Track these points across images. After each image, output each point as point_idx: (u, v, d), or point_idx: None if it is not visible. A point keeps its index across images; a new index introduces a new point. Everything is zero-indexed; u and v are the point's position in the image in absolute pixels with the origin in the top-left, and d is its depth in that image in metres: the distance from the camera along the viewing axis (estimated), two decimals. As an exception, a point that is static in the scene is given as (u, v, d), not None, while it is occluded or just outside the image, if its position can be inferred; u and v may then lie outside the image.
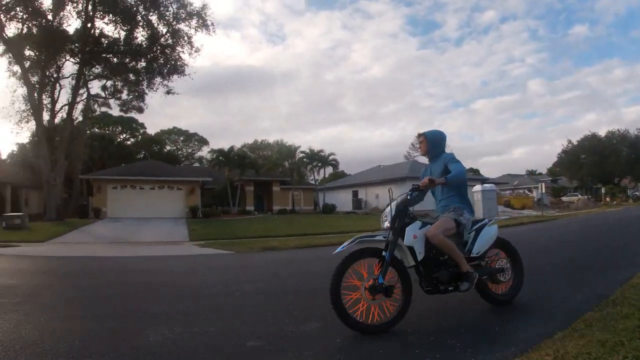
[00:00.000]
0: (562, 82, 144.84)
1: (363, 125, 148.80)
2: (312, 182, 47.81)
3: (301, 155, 43.30)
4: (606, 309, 4.66)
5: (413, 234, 4.67)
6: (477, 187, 29.78)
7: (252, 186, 42.55)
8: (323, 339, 4.07)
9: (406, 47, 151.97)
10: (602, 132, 67.25)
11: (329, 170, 48.78)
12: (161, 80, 34.32)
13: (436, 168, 5.32)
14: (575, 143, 66.37)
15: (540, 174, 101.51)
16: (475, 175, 57.72)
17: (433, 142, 5.39)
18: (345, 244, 4.62)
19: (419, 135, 5.63)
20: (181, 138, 76.48)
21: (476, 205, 28.72)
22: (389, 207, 4.89)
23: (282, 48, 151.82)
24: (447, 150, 5.57)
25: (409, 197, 4.92)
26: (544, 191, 35.31)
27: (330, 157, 43.98)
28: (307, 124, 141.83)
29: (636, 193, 62.73)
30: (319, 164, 43.72)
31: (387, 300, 4.52)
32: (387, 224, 4.79)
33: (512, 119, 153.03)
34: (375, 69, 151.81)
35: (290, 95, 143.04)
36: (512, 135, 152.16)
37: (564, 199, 58.03)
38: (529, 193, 53.53)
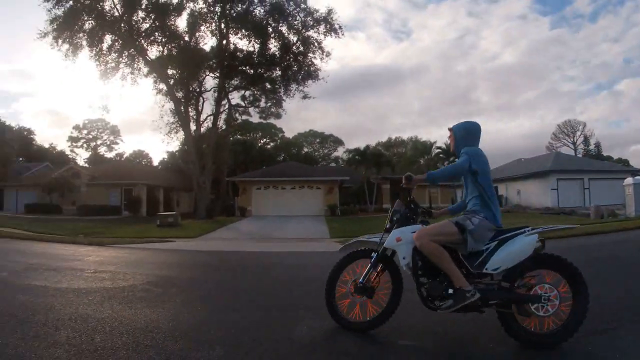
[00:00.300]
0: None
1: (498, 116, 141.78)
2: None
3: (437, 150, 42.50)
4: None
5: (397, 237, 4.30)
6: (628, 180, 25.93)
7: (388, 184, 42.24)
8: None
9: (537, 28, 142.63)
10: None
11: (467, 165, 47.41)
12: (297, 86, 35.42)
13: None
14: None
15: None
16: (625, 167, 52.88)
17: (459, 137, 4.65)
18: (347, 243, 4.90)
19: (449, 129, 4.83)
20: (317, 140, 78.48)
21: (627, 200, 25.66)
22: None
23: (409, 43, 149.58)
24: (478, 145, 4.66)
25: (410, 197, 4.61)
26: None
27: (468, 152, 42.82)
28: (441, 118, 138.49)
29: None
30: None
31: (368, 301, 4.44)
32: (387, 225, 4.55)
33: None
34: (507, 55, 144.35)
35: (421, 90, 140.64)
36: None
37: None
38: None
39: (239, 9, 32.99)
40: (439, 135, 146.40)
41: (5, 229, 20.19)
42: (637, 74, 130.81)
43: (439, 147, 42.57)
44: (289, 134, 74.96)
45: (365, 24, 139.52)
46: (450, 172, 4.62)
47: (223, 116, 37.77)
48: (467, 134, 4.59)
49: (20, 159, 60.54)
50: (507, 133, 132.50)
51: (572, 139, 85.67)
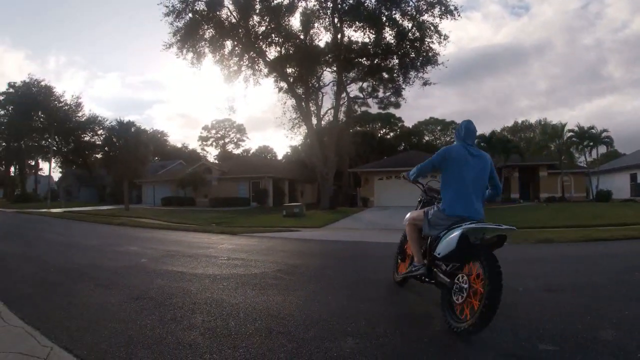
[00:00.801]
0: None
1: (635, 92, 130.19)
2: (583, 165, 43.56)
3: (569, 134, 39.54)
4: None
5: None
6: None
7: (516, 172, 40.34)
8: (621, 351, 3.52)
9: None
10: None
11: (602, 150, 43.31)
12: (415, 73, 34.74)
13: None
14: None
15: None
16: None
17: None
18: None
19: None
20: (438, 127, 77.04)
21: None
22: None
23: (528, 19, 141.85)
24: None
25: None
26: None
27: (603, 134, 39.35)
28: (570, 98, 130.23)
29: None
30: (591, 144, 39.39)
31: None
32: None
33: None
34: (638, 23, 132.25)
35: (546, 68, 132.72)
36: None
37: None
38: None
39: (350, 1, 33.09)
40: (570, 117, 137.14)
41: (144, 219, 21.77)
42: None
43: (570, 130, 39.40)
44: (408, 122, 74.13)
45: (480, 2, 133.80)
46: (417, 170, 5.34)
47: (343, 109, 38.14)
48: (455, 132, 5.30)
49: (156, 158, 65.26)
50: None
51: None
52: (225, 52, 33.30)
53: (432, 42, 32.70)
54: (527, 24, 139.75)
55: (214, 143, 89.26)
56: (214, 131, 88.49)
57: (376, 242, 12.75)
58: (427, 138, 75.10)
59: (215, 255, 8.99)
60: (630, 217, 18.47)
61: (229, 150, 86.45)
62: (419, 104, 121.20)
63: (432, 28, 32.22)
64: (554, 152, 40.61)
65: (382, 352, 3.53)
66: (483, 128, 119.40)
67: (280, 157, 79.14)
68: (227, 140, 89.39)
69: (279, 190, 41.20)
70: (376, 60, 35.31)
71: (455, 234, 4.17)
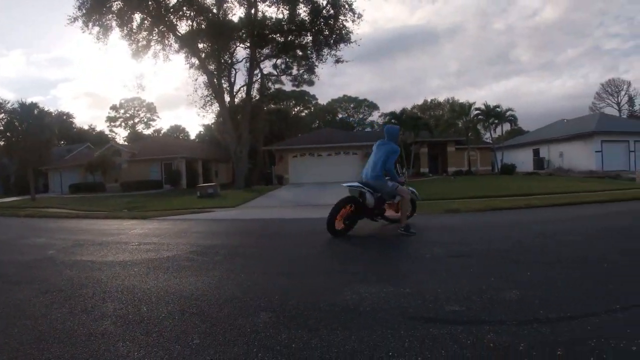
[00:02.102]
0: None
1: (540, 75, 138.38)
2: (489, 141, 45.73)
3: (476, 112, 41.35)
4: None
5: None
6: None
7: (425, 148, 41.64)
8: (524, 309, 3.80)
9: None
10: None
11: (507, 127, 45.82)
12: (329, 50, 34.96)
13: None
14: None
15: None
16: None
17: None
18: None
19: None
20: (352, 105, 78.18)
21: None
22: None
23: (443, 2, 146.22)
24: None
25: None
26: None
27: (508, 113, 41.40)
28: (479, 79, 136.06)
29: None
30: (496, 121, 41.41)
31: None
32: None
33: None
34: (548, 11, 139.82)
35: (458, 50, 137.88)
36: None
37: None
38: None
39: (265, -26, 32.60)
40: (478, 97, 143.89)
41: (52, 209, 20.78)
42: None
43: (477, 109, 41.32)
44: (323, 100, 74.91)
45: None
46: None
47: (256, 86, 37.95)
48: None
49: (62, 142, 62.18)
50: (549, 93, 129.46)
51: (616, 99, 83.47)
52: (134, 26, 31.80)
53: (346, 20, 32.94)
54: (442, 7, 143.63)
55: (123, 124, 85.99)
56: (122, 111, 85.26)
57: (291, 219, 12.89)
58: (341, 115, 76.04)
59: (126, 242, 8.75)
60: (533, 188, 19.76)
61: (139, 130, 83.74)
62: (334, 82, 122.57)
63: (347, 6, 32.41)
64: (461, 129, 42.27)
65: (295, 324, 3.60)
66: (395, 106, 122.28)
67: (193, 136, 77.86)
68: (136, 120, 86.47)
69: (192, 171, 40.35)
70: (290, 37, 35.12)
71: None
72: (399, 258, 6.37)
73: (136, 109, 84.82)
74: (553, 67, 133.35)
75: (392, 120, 37.96)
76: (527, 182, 25.28)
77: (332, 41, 34.07)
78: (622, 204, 13.70)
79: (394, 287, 4.53)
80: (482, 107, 41.03)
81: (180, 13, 32.53)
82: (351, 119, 77.29)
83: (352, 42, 33.66)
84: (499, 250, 6.39)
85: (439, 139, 41.78)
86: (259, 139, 39.44)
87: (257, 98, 38.88)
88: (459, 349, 3.01)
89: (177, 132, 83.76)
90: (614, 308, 3.76)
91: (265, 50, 36.90)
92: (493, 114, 40.67)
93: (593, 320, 3.47)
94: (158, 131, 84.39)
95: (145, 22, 32.02)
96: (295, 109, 67.62)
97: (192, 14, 32.68)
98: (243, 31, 34.44)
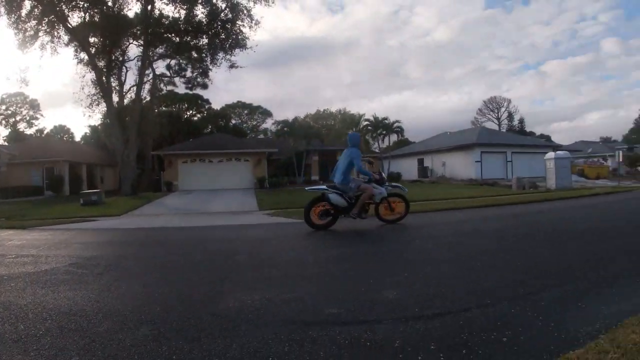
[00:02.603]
0: (638, 42, 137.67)
1: (428, 91, 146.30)
2: (377, 150, 47.45)
3: (365, 123, 43.00)
4: None
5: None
6: (550, 155, 28.80)
7: (316, 156, 42.42)
8: (399, 308, 4.09)
9: (472, 8, 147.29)
10: None
11: (394, 138, 48.04)
12: (224, 55, 34.79)
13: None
14: (656, 108, 63.29)
15: (615, 141, 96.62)
16: (548, 142, 55.95)
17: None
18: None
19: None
20: (245, 111, 77.81)
21: (548, 173, 28.28)
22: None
23: (342, 16, 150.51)
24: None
25: None
26: (621, 160, 33.34)
27: (395, 125, 43.38)
28: (371, 91, 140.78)
29: None
30: (384, 132, 43.24)
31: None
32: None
33: (585, 81, 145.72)
34: (440, 32, 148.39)
35: (353, 63, 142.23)
36: (585, 99, 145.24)
37: None
38: (603, 162, 50.92)
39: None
40: (370, 108, 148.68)
41: None
42: (564, 56, 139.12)
43: (367, 120, 43.09)
44: (217, 105, 74.05)
45: None
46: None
47: (147, 87, 36.90)
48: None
49: None
50: (436, 107, 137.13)
51: (496, 115, 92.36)
52: (23, 14, 29.28)
53: (244, 25, 32.92)
54: (341, 21, 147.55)
55: (3, 122, 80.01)
56: (3, 107, 79.39)
57: (178, 227, 12.82)
58: (234, 121, 75.42)
59: (2, 254, 8.31)
60: (415, 195, 20.81)
61: (21, 130, 78.28)
62: (229, 87, 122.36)
63: (245, 11, 32.36)
64: (351, 139, 43.73)
65: (176, 335, 3.63)
66: (289, 114, 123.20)
67: (78, 138, 74.01)
68: (18, 118, 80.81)
69: (76, 176, 37.84)
70: (186, 37, 34.41)
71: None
72: (283, 264, 6.51)
73: (18, 105, 79.05)
74: (441, 84, 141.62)
75: (285, 129, 38.43)
76: (411, 189, 26.50)
77: (227, 45, 33.90)
78: (497, 208, 15.31)
79: (276, 293, 4.68)
80: (371, 118, 42.81)
81: (74, 3, 30.46)
82: (244, 125, 76.93)
83: (248, 48, 33.67)
84: (379, 253, 6.92)
85: (330, 147, 42.81)
86: (148, 142, 37.98)
87: (147, 99, 37.81)
88: (337, 350, 3.21)
89: (61, 132, 79.02)
90: (486, 303, 4.19)
91: (160, 50, 35.99)
92: (381, 125, 42.45)
93: (466, 315, 3.84)
94: (41, 131, 79.04)
95: (36, 10, 29.67)
96: (188, 113, 66.25)
97: (85, 5, 30.73)
98: (138, 28, 33.30)
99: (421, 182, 39.88)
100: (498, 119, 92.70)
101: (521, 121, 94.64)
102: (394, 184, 11.49)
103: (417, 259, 6.33)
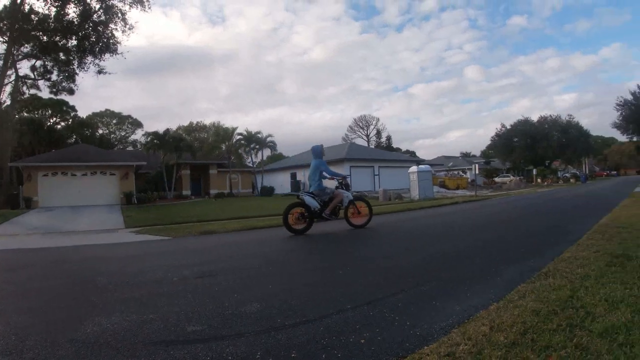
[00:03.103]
0: (498, 70, 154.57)
1: (303, 107, 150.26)
2: (250, 164, 47.60)
3: (238, 137, 43.02)
4: (539, 281, 5.13)
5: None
6: (413, 168, 30.94)
7: (188, 170, 41.90)
8: (263, 319, 4.18)
9: (348, 31, 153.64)
10: (534, 118, 72.21)
11: (267, 152, 48.58)
12: (92, 59, 33.35)
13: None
14: (509, 127, 70.53)
15: (474, 156, 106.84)
16: (412, 157, 59.43)
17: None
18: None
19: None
20: (114, 121, 74.58)
21: (411, 185, 30.63)
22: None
23: (223, 28, 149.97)
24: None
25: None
26: (477, 172, 36.50)
27: (268, 139, 43.96)
28: (247, 105, 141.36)
29: (566, 175, 68.32)
30: (257, 146, 43.60)
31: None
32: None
33: (448, 103, 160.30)
34: (317, 52, 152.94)
35: (230, 76, 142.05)
36: (448, 119, 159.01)
37: (496, 179, 61.46)
38: (463, 174, 55.27)
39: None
40: (245, 122, 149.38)
41: None
42: (430, 80, 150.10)
43: (240, 134, 43.05)
44: (83, 112, 70.46)
45: (181, 2, 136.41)
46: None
47: (8, 89, 33.93)
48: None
49: None
50: (310, 123, 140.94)
51: (366, 132, 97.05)
52: None
53: (117, 29, 31.94)
54: (221, 33, 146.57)
55: None
56: None
57: (35, 249, 12.00)
58: (101, 131, 72.14)
59: None
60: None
61: None
62: (99, 93, 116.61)
63: (120, 14, 31.25)
64: (224, 152, 43.55)
65: None
66: (160, 125, 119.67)
67: None
68: None
69: None
70: (55, 37, 32.21)
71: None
72: (146, 283, 6.29)
73: None
74: (315, 101, 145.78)
75: (155, 141, 37.42)
76: (284, 203, 26.97)
77: (97, 49, 32.48)
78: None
79: (138, 314, 4.54)
80: (245, 132, 42.87)
81: None
82: (112, 135, 73.82)
83: (119, 54, 32.56)
84: (246, 267, 7.06)
85: (202, 161, 42.45)
86: (6, 152, 35.02)
87: (7, 104, 34.92)
88: (199, 366, 3.28)
89: None
90: (346, 308, 4.42)
91: (25, 49, 33.38)
92: (254, 140, 42.80)
93: (326, 322, 4.04)
94: None
95: None
96: (51, 120, 62.32)
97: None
98: (4, 22, 30.59)
99: (294, 195, 40.42)
100: (367, 135, 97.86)
101: (389, 138, 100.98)
102: (356, 191, 12.61)
103: (281, 271, 6.57)
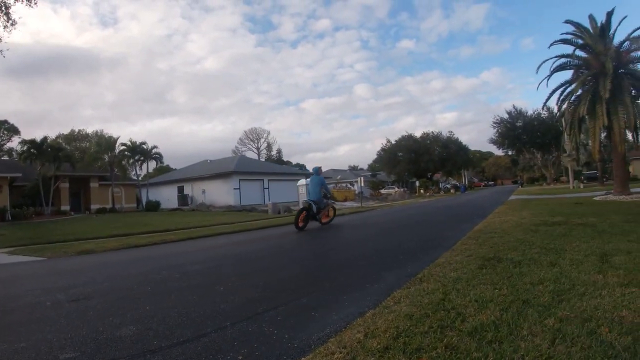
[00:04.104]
0: (386, 89, 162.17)
1: (193, 118, 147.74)
2: (135, 177, 45.71)
3: (122, 147, 40.97)
4: (414, 286, 5.32)
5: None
6: (302, 181, 31.45)
7: (67, 183, 39.32)
8: (138, 342, 4.02)
9: (244, 43, 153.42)
10: (418, 134, 75.62)
11: (154, 164, 46.62)
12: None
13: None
14: (394, 142, 73.31)
15: (361, 169, 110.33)
16: (302, 170, 60.13)
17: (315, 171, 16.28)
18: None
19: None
20: (-15, 127, 69.01)
21: (300, 198, 31.25)
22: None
23: (114, 31, 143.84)
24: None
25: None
26: (363, 184, 37.61)
27: (154, 150, 42.33)
28: (134, 114, 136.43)
29: (447, 186, 73.64)
30: (142, 158, 41.79)
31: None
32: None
33: (338, 118, 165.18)
34: (210, 62, 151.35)
35: (117, 82, 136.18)
36: (337, 133, 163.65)
37: (382, 191, 63.87)
38: (350, 186, 56.60)
39: None
40: (130, 132, 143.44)
41: None
42: (321, 96, 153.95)
43: (124, 144, 40.96)
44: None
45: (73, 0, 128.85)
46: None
47: None
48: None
49: None
50: (200, 135, 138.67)
51: (256, 145, 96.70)
52: None
53: (-3, 24, 29.27)
54: (111, 36, 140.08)
55: None
56: None
57: None
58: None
59: None
60: (173, 224, 20.97)
61: None
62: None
63: (4, 8, 28.93)
64: (106, 164, 41.26)
65: None
66: (40, 133, 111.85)
67: None
68: None
69: None
70: None
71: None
72: (17, 309, 5.83)
73: None
74: (206, 112, 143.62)
75: (32, 150, 34.97)
76: (170, 218, 26.49)
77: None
78: (250, 232, 16.44)
79: (8, 343, 4.22)
80: (129, 143, 41.05)
81: None
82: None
83: (-1, 51, 29.97)
84: (124, 288, 6.69)
85: (82, 173, 40.08)
86: None
87: None
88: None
89: None
90: (225, 325, 4.33)
91: None
92: (139, 151, 41.14)
93: (204, 340, 3.93)
94: None
95: None
96: None
97: None
98: None
99: (181, 210, 39.66)
100: (258, 148, 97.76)
101: (279, 151, 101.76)
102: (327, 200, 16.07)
103: (159, 290, 6.27)
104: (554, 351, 3.12)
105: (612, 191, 22.76)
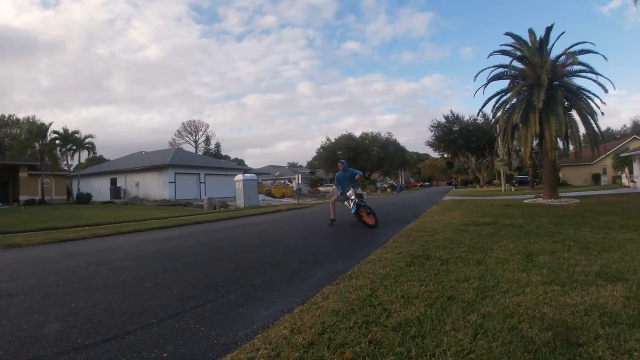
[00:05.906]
0: (329, 88, 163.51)
1: (131, 108, 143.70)
2: (66, 167, 44.03)
3: (54, 135, 39.26)
4: (343, 282, 5.44)
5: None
6: (239, 177, 31.18)
7: (-9, 173, 37.53)
8: (63, 340, 3.93)
9: (188, 34, 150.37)
10: (357, 134, 76.14)
11: (86, 154, 44.90)
12: None
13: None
14: (333, 141, 73.51)
15: (300, 166, 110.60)
16: (240, 166, 59.72)
17: (346, 165, 14.56)
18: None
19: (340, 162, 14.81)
20: None
21: (237, 193, 31.07)
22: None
23: (54, 13, 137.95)
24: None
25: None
26: (300, 181, 37.67)
27: (87, 140, 40.85)
28: (69, 101, 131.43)
29: (384, 185, 75.34)
30: (74, 147, 40.24)
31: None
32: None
33: (280, 115, 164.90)
34: (152, 51, 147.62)
35: (54, 67, 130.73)
36: (278, 130, 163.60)
37: (320, 188, 64.31)
38: (288, 183, 56.86)
39: None
40: (65, 120, 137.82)
41: None
42: (264, 92, 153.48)
43: (55, 132, 39.20)
44: None
45: None
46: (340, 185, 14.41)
47: None
48: (348, 164, 14.97)
49: None
50: (137, 125, 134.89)
51: (194, 138, 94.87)
52: None
53: None
54: (51, 17, 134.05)
55: None
56: None
57: None
58: None
59: None
60: (104, 218, 20.33)
61: None
62: None
63: None
64: (37, 153, 39.42)
65: None
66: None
67: None
68: None
69: None
70: None
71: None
72: None
73: None
74: (144, 102, 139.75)
75: None
76: (102, 212, 25.72)
77: None
78: (183, 227, 16.14)
79: None
80: (61, 131, 39.45)
81: None
82: None
83: None
84: (50, 284, 6.44)
85: (10, 162, 38.16)
86: None
87: None
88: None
89: None
90: (151, 323, 4.30)
91: None
92: (71, 140, 39.63)
93: (129, 338, 3.88)
94: None
95: None
96: None
97: None
98: None
99: (114, 203, 38.48)
100: (196, 141, 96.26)
101: (218, 145, 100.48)
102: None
103: (86, 287, 6.11)
104: (475, 346, 3.25)
105: (542, 195, 23.75)
